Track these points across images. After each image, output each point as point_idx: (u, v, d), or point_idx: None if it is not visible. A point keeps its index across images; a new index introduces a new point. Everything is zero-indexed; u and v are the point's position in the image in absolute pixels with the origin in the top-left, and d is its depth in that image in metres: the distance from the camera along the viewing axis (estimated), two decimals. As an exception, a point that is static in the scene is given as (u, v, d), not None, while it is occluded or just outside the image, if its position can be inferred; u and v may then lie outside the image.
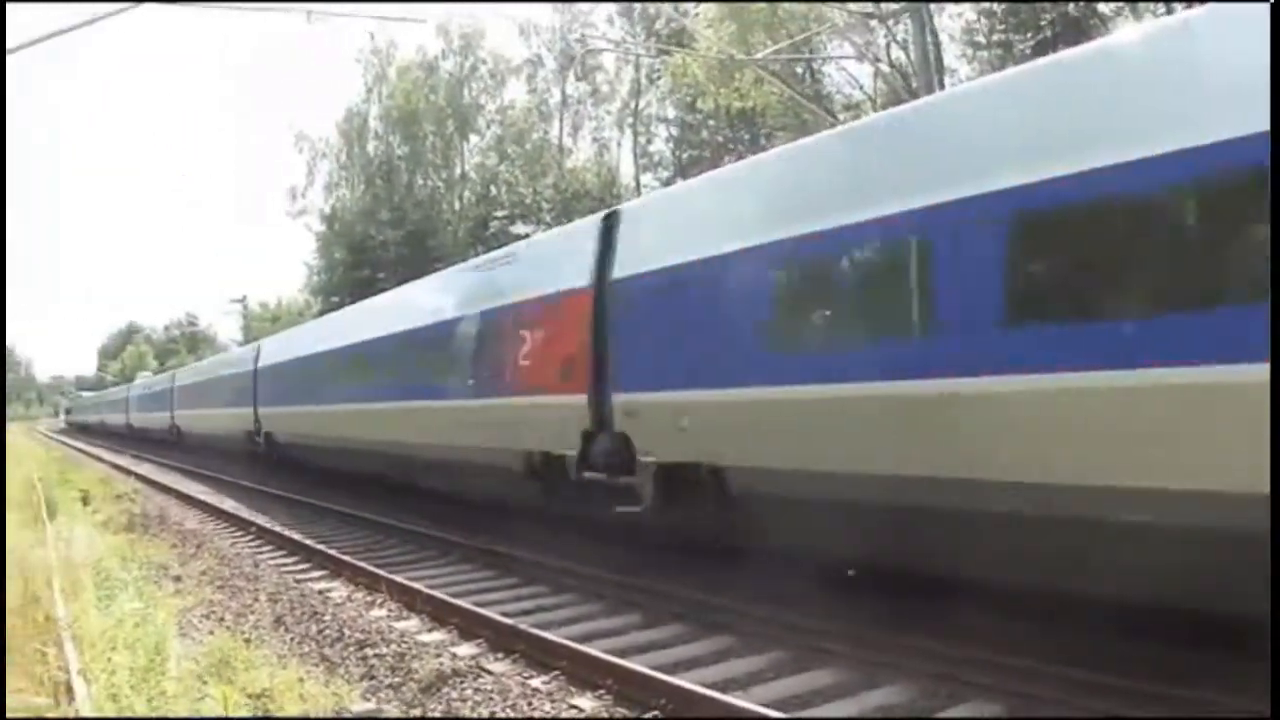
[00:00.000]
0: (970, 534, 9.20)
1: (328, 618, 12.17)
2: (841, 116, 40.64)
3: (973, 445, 8.86)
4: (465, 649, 10.55)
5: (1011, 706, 8.12)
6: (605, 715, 8.33)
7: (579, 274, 14.80)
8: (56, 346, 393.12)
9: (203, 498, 27.97)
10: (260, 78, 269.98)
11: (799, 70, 45.56)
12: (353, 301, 34.08)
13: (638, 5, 59.56)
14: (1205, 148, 7.27)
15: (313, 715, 7.99)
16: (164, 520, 22.78)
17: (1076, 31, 31.05)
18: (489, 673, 9.49)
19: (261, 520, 21.82)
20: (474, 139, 70.36)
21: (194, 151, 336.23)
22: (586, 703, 8.57)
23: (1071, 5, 36.01)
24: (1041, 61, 10.63)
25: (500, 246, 21.38)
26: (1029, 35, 36.79)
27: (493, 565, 15.48)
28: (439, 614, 12.05)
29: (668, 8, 56.00)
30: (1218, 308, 7.31)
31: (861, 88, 46.86)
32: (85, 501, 25.67)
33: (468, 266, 23.00)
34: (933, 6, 35.75)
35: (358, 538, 19.42)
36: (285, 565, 16.83)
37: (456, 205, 67.94)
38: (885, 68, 42.57)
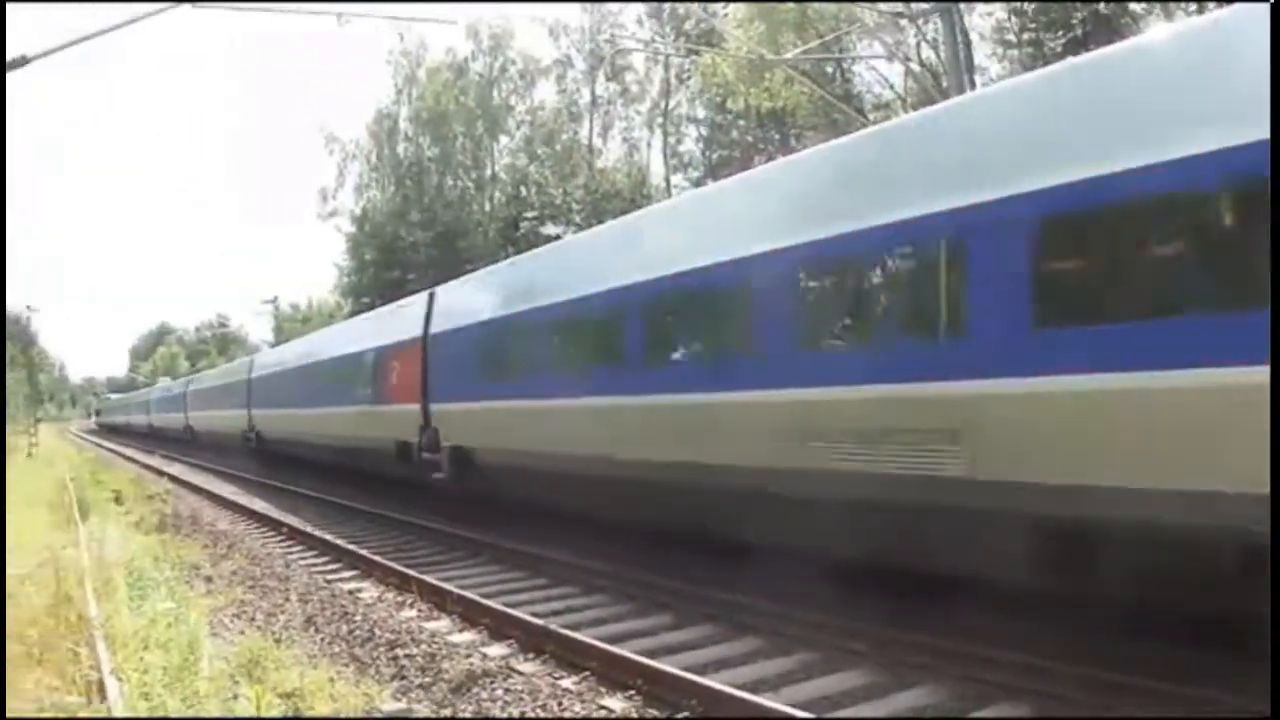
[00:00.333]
0: (580, 483, 15.57)
1: (358, 618, 12.20)
2: (872, 116, 40.54)
3: (570, 433, 15.84)
4: (496, 649, 10.59)
5: (1039, 708, 8.11)
6: (635, 716, 8.33)
7: (415, 329, 23.08)
8: (89, 347, 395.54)
9: (234, 498, 28.16)
10: (290, 80, 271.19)
11: (829, 70, 45.47)
12: (384, 302, 35.95)
13: (667, 5, 59.53)
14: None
15: (343, 714, 8.01)
16: (196, 521, 22.90)
17: (1108, 30, 30.83)
18: (519, 673, 9.51)
19: (292, 521, 21.91)
20: (504, 140, 70.34)
21: (225, 153, 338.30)
22: (616, 703, 8.57)
23: (1103, 4, 35.79)
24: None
25: (531, 247, 24.00)
26: (1060, 34, 36.59)
27: (523, 566, 15.54)
28: (469, 614, 12.09)
29: (697, 8, 55.95)
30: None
31: (892, 87, 46.70)
32: (118, 502, 25.82)
33: (369, 316, 35.16)
34: (963, 5, 35.69)
35: (388, 538, 19.51)
36: (316, 565, 16.91)
37: (487, 206, 67.91)
38: (916, 67, 42.44)
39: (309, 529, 20.48)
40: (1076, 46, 30.85)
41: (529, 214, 59.34)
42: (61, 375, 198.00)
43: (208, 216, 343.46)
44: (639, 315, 14.19)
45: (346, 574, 15.91)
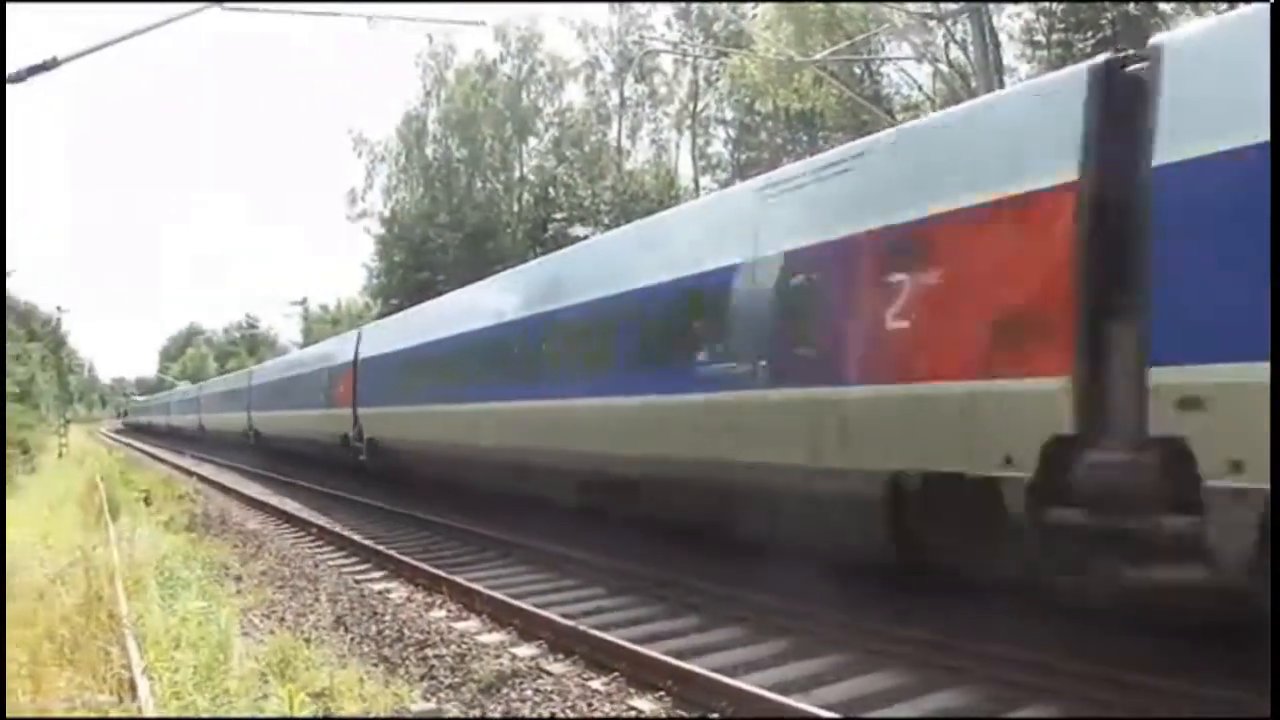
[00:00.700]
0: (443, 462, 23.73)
1: (387, 618, 12.22)
2: (900, 117, 40.44)
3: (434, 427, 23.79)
4: (525, 650, 10.59)
5: (1073, 711, 8.06)
6: (665, 717, 8.31)
7: (349, 355, 32.58)
8: (119, 348, 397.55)
9: (262, 498, 28.32)
10: (319, 81, 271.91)
11: (858, 71, 45.39)
12: (413, 303, 37.07)
13: (695, 7, 59.51)
14: None
15: (373, 714, 8.01)
16: (225, 520, 23.00)
17: (1137, 30, 30.65)
18: (549, 673, 9.51)
19: (321, 521, 22.01)
20: (532, 141, 70.36)
21: (255, 154, 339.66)
22: (646, 704, 8.56)
23: (1132, 4, 35.62)
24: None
25: (559, 248, 24.53)
26: (1089, 34, 36.43)
27: (552, 566, 15.53)
28: (499, 615, 12.10)
29: (725, 9, 55.94)
30: None
31: (920, 88, 46.60)
32: (147, 502, 25.92)
33: (325, 342, 46.81)
34: (991, 6, 35.48)
35: (417, 538, 19.55)
36: (345, 566, 16.95)
37: (515, 207, 67.97)
38: (944, 68, 42.32)
39: (338, 529, 20.60)
40: (1105, 47, 30.69)
41: (557, 215, 59.35)
42: (91, 376, 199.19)
43: (237, 217, 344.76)
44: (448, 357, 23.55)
45: (375, 574, 15.95)
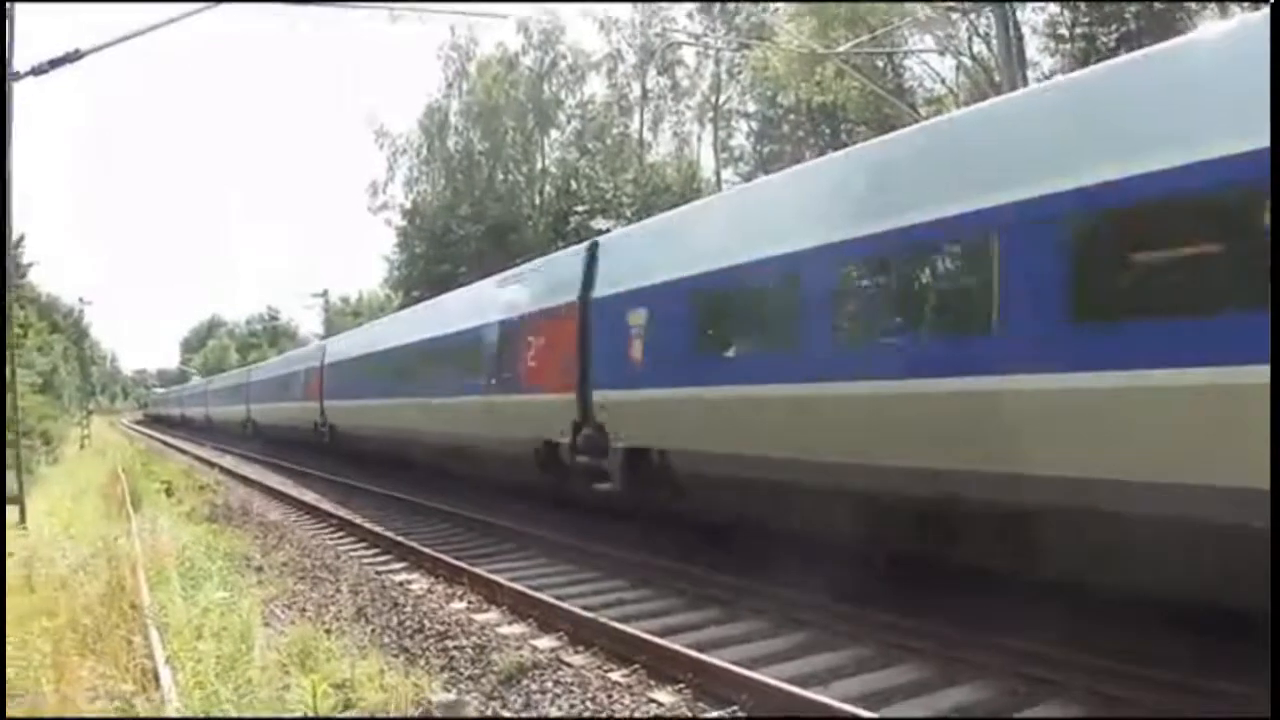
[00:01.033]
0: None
1: (408, 609, 12.27)
2: (923, 111, 40.31)
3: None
4: (545, 641, 10.62)
5: (1092, 708, 8.06)
6: (685, 711, 8.33)
7: (315, 361, 41.28)
8: (142, 339, 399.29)
9: (284, 489, 28.38)
10: (341, 73, 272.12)
11: (880, 64, 45.23)
12: (433, 295, 37.37)
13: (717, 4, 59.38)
14: None
15: (391, 706, 8.03)
16: (246, 512, 23.07)
17: (1162, 26, 30.47)
18: (569, 665, 9.55)
19: (342, 512, 22.05)
20: (554, 134, 70.22)
21: (277, 146, 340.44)
22: (666, 697, 8.58)
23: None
24: None
25: (581, 241, 24.13)
26: (1113, 28, 36.26)
27: (572, 559, 15.56)
28: (519, 606, 12.12)
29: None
30: None
31: (943, 81, 46.44)
32: (169, 493, 26.04)
33: (298, 351, 58.68)
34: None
35: (437, 530, 19.60)
36: (366, 557, 17.00)
37: (537, 200, 67.87)
38: (968, 61, 42.20)
39: (359, 520, 20.66)
40: (1130, 41, 30.57)
41: (579, 208, 59.20)
42: (113, 367, 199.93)
43: (258, 209, 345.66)
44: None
45: (396, 565, 16.02)
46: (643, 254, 16.70)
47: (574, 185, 63.54)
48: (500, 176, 69.39)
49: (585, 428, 16.84)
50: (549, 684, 9.02)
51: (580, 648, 10.29)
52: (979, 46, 41.74)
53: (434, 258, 64.76)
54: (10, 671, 8.12)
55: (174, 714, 7.37)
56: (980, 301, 9.89)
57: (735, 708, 8.20)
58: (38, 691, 7.78)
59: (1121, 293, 8.68)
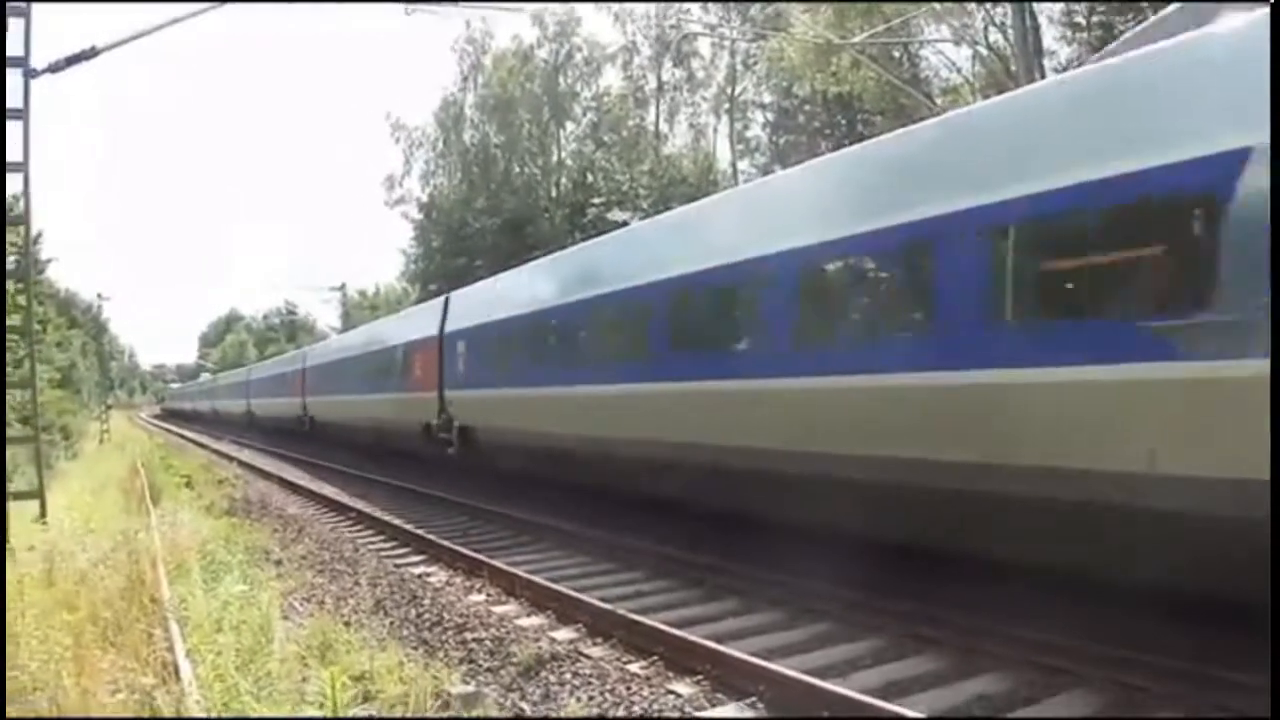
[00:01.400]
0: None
1: (427, 601, 12.31)
2: (940, 101, 40.20)
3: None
4: (564, 633, 10.64)
5: (1113, 698, 8.05)
6: (704, 701, 8.34)
7: (297, 364, 52.60)
8: (160, 334, 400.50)
9: (302, 483, 28.47)
10: (357, 67, 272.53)
11: (896, 54, 45.07)
12: (451, 288, 37.42)
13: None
14: None
15: (410, 700, 8.04)
16: (265, 505, 23.16)
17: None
18: (587, 657, 9.56)
19: (361, 505, 22.12)
20: (570, 126, 70.19)
21: (294, 140, 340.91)
22: (684, 688, 8.59)
23: (1172, -11, 35.14)
24: None
25: (599, 233, 25.13)
26: (1130, 17, 36.07)
27: (590, 550, 15.59)
28: (538, 598, 12.16)
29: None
30: None
31: (959, 71, 46.26)
32: (188, 486, 26.13)
33: (280, 358, 70.66)
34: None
35: (455, 522, 19.66)
36: (384, 550, 17.08)
37: (553, 193, 67.78)
38: (984, 50, 42.04)
39: (377, 513, 20.74)
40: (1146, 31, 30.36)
41: (595, 200, 59.15)
42: (132, 362, 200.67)
43: (277, 204, 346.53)
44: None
45: (415, 558, 16.07)
46: (467, 306, 26.43)
47: (590, 178, 63.51)
48: (516, 169, 69.39)
49: (442, 414, 25.89)
50: (568, 675, 9.04)
51: (599, 639, 10.33)
52: (995, 36, 41.56)
53: (450, 251, 64.83)
54: (32, 664, 8.16)
55: (194, 705, 7.40)
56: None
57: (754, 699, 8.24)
58: (58, 684, 7.80)
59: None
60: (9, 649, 8.34)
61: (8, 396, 22.62)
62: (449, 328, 26.29)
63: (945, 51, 45.90)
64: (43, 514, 16.39)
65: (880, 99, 44.48)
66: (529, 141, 69.24)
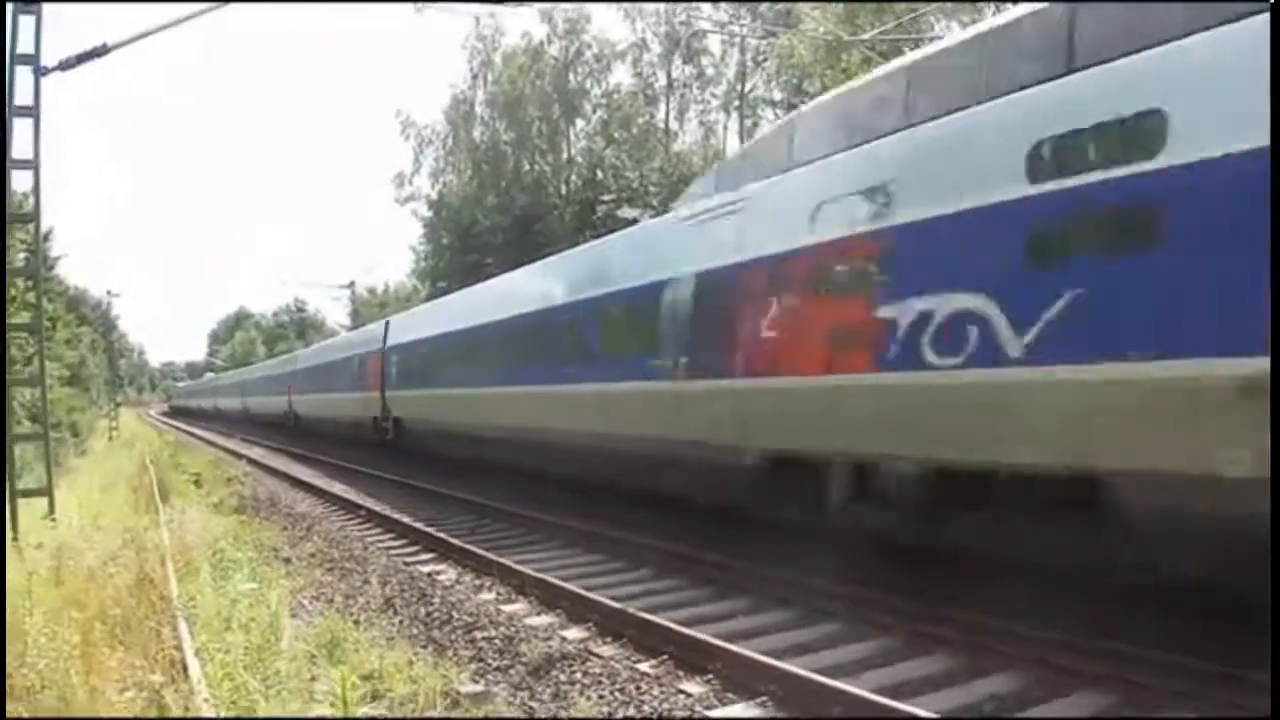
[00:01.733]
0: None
1: (436, 600, 12.30)
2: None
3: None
4: (574, 632, 10.63)
5: (1124, 696, 8.02)
6: (714, 700, 8.33)
7: (287, 367, 60.51)
8: (170, 332, 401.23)
9: (312, 481, 28.48)
10: (366, 65, 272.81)
11: (907, 51, 44.97)
12: (460, 287, 37.84)
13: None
14: None
15: (420, 698, 8.04)
16: (274, 503, 23.18)
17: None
18: (597, 656, 9.55)
19: (370, 504, 22.12)
20: (580, 123, 69.98)
21: (304, 138, 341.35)
22: (695, 687, 8.58)
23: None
24: None
25: (609, 231, 25.73)
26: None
27: (601, 549, 15.58)
28: (548, 597, 12.14)
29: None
30: None
31: (970, 67, 46.05)
32: (197, 484, 26.16)
33: (258, 364, 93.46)
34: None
35: (465, 520, 19.66)
36: (394, 548, 17.07)
37: (563, 190, 67.60)
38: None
39: (387, 511, 20.71)
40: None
41: (606, 197, 59.01)
42: (141, 359, 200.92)
43: (286, 202, 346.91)
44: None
45: (424, 556, 16.05)
46: (399, 328, 34.57)
47: (600, 175, 63.36)
48: (526, 167, 69.16)
49: (384, 409, 33.97)
50: (578, 674, 9.04)
51: (609, 638, 10.32)
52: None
53: (460, 248, 64.73)
54: (40, 663, 8.16)
55: (203, 703, 7.40)
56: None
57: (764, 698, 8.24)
58: (66, 683, 7.81)
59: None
60: (17, 647, 8.34)
61: (17, 394, 22.66)
62: (388, 344, 34.96)
63: (956, 48, 45.71)
64: (51, 511, 16.42)
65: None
66: (539, 139, 69.00)
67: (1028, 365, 9.05)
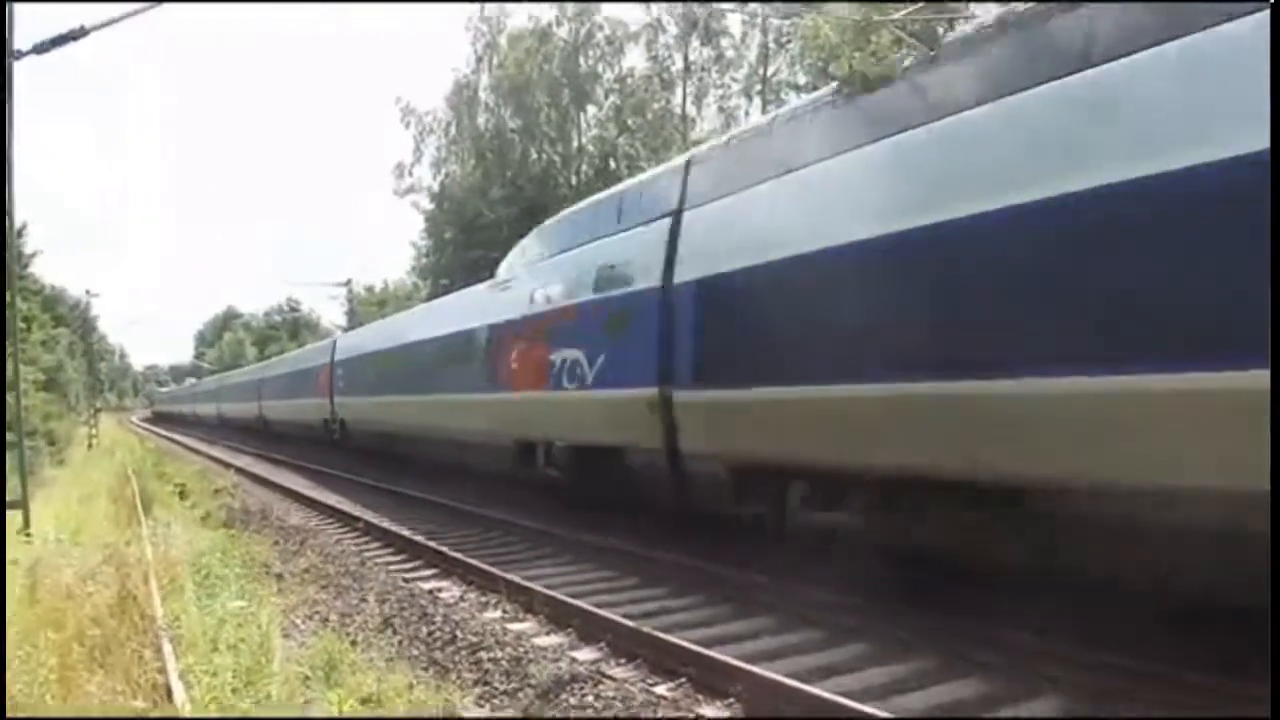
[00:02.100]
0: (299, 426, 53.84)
1: (438, 619, 12.24)
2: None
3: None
4: (585, 653, 10.56)
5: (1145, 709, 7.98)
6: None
7: (256, 375, 71.20)
8: (153, 334, 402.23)
9: (306, 492, 28.42)
10: (365, 49, 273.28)
11: (940, 30, 44.85)
12: (463, 285, 37.48)
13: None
14: None
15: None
16: (265, 516, 23.16)
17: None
18: (611, 678, 9.48)
19: (367, 515, 22.03)
20: (591, 109, 69.59)
21: (295, 130, 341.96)
22: (714, 711, 8.54)
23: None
24: None
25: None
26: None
27: (613, 564, 15.47)
28: (557, 615, 12.05)
29: (799, -32, 55.28)
30: None
31: (1007, 47, 45.91)
32: (182, 496, 26.20)
33: (228, 372, 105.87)
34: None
35: (468, 533, 19.56)
36: (393, 563, 16.99)
37: (574, 180, 67.13)
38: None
39: (385, 524, 20.61)
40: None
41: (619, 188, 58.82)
42: (123, 362, 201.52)
43: (276, 197, 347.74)
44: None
45: (426, 572, 15.96)
46: (344, 345, 42.34)
47: (613, 164, 63.06)
48: (534, 156, 68.78)
49: (333, 413, 40.99)
50: (589, 698, 8.97)
51: (623, 660, 10.27)
52: (1045, 9, 41.25)
53: (464, 243, 64.34)
54: (14, 688, 8.16)
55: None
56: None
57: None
58: (42, 708, 7.80)
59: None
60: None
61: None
62: (335, 358, 42.83)
63: (992, 26, 45.57)
64: (26, 525, 16.45)
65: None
66: (547, 126, 68.56)
67: (591, 389, 17.10)
